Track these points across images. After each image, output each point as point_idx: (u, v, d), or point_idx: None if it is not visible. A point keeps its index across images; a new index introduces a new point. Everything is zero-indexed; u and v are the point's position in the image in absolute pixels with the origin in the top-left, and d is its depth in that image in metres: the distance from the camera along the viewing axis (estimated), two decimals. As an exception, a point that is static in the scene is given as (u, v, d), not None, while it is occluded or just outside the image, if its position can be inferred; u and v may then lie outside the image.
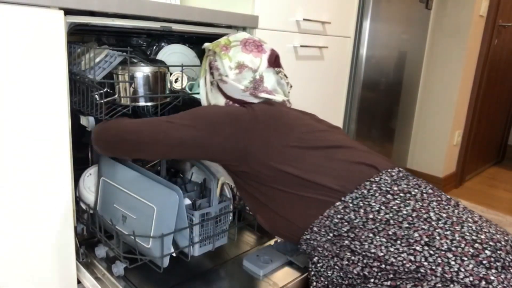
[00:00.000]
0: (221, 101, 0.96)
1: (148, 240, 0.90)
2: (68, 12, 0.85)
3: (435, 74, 2.49)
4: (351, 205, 0.75)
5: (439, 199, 0.75)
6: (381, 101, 2.05)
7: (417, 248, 0.67)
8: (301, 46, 1.46)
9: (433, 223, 0.70)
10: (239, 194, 0.91)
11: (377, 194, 0.75)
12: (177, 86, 1.07)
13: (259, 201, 0.84)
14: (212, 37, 1.24)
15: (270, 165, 0.80)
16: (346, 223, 0.75)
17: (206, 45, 1.01)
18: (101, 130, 0.92)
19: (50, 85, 0.84)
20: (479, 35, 2.49)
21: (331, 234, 0.76)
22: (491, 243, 0.66)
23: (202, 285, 0.94)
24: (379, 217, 0.72)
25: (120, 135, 0.86)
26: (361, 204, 0.74)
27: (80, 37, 1.17)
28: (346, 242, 0.74)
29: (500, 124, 3.27)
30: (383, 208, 0.73)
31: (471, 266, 0.63)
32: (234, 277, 0.98)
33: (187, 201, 0.97)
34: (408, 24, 2.09)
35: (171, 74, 1.06)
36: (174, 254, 0.92)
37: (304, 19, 1.45)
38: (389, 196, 0.75)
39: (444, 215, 0.71)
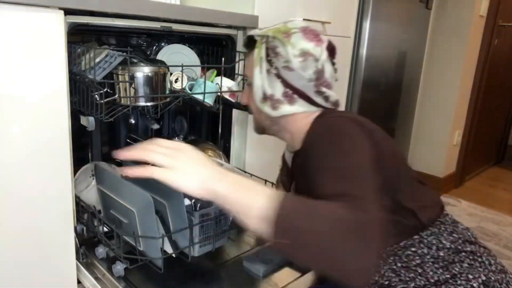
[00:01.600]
0: (278, 90, 0.88)
1: (139, 241, 0.90)
2: (68, 12, 0.85)
3: (435, 74, 2.49)
4: (425, 240, 0.79)
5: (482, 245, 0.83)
6: (381, 101, 2.05)
7: (474, 285, 0.73)
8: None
9: (488, 266, 0.77)
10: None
11: (445, 234, 0.80)
12: (177, 86, 1.07)
13: None
14: (212, 37, 1.24)
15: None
16: (417, 257, 0.77)
17: (258, 32, 0.92)
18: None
19: (50, 85, 0.84)
20: (479, 35, 2.49)
21: (398, 264, 0.78)
22: None
23: (202, 285, 0.94)
24: (446, 256, 0.77)
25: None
26: (434, 242, 0.79)
27: (80, 37, 1.17)
28: (412, 275, 0.77)
29: (500, 124, 3.27)
30: (452, 247, 0.79)
31: None
32: (234, 278, 0.98)
33: (187, 202, 0.97)
34: (408, 24, 2.09)
35: (171, 74, 1.06)
36: (174, 255, 0.92)
37: (304, 19, 1.45)
38: (454, 235, 0.80)
39: (492, 261, 0.78)
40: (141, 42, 1.36)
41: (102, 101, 0.92)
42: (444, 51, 2.44)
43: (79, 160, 1.08)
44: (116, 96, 0.97)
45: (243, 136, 1.37)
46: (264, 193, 0.59)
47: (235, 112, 1.35)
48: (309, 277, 0.98)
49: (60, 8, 0.82)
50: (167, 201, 0.91)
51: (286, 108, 0.87)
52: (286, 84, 0.86)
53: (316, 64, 0.85)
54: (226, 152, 1.38)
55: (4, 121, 0.79)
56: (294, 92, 0.86)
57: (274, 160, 1.51)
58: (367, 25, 1.78)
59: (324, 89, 0.87)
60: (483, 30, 2.50)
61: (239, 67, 1.27)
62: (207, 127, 1.50)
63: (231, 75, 1.27)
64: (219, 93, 1.13)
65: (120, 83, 0.97)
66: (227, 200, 0.61)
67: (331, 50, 0.89)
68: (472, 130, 2.73)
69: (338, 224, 0.55)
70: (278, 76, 0.87)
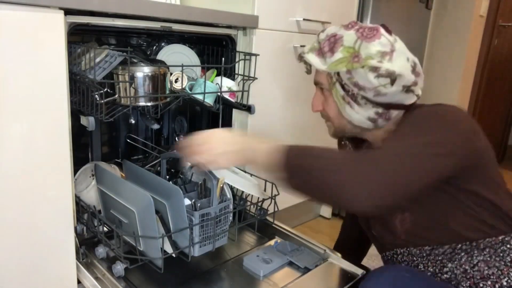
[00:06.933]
0: (373, 111, 0.82)
1: (139, 241, 0.90)
2: (68, 12, 0.85)
3: (435, 74, 2.49)
4: None
5: None
6: (381, 101, 2.05)
7: None
8: (301, 46, 1.46)
9: None
10: None
11: None
12: (177, 86, 1.07)
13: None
14: (212, 37, 1.24)
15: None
16: (509, 257, 0.77)
17: (320, 67, 0.83)
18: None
19: (50, 85, 0.84)
20: (479, 35, 2.49)
21: (493, 257, 0.78)
22: None
23: (202, 285, 0.94)
24: None
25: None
26: None
27: (80, 37, 1.17)
28: (505, 270, 0.76)
29: (500, 124, 3.27)
30: None
31: None
32: (234, 278, 0.98)
33: (187, 202, 0.97)
34: (408, 24, 2.09)
35: (171, 74, 1.06)
36: (174, 255, 0.92)
37: (304, 19, 1.45)
38: None
39: None
40: (141, 42, 1.36)
41: (102, 101, 0.92)
42: (444, 51, 2.44)
43: (79, 160, 1.08)
44: (116, 96, 0.97)
45: (243, 136, 1.37)
46: (274, 148, 0.74)
47: (235, 112, 1.35)
48: (309, 277, 0.98)
49: (60, 8, 0.82)
50: (167, 201, 0.91)
51: (381, 123, 0.84)
52: (380, 104, 0.81)
53: (407, 58, 0.80)
54: (226, 152, 1.38)
55: (4, 121, 0.79)
56: (388, 108, 0.82)
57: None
58: (367, 25, 1.78)
59: (412, 87, 0.81)
60: (483, 30, 2.50)
61: (239, 67, 1.27)
62: (207, 127, 1.50)
63: (231, 75, 1.27)
64: (219, 93, 1.13)
65: (120, 83, 0.97)
66: (251, 164, 0.79)
67: (387, 30, 0.83)
68: (472, 130, 2.73)
69: (331, 160, 0.70)
70: (370, 101, 0.81)
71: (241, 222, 1.14)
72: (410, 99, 0.82)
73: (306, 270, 1.00)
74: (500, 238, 0.78)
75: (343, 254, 1.06)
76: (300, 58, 0.90)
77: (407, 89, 0.80)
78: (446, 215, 0.80)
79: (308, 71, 0.93)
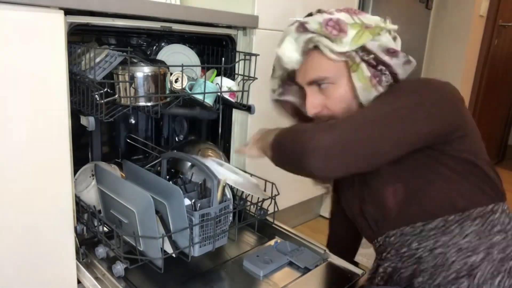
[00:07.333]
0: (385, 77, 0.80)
1: (139, 241, 0.90)
2: (68, 12, 0.85)
3: (435, 74, 2.49)
4: (507, 211, 0.80)
5: None
6: (381, 101, 2.04)
7: None
8: (301, 46, 1.46)
9: None
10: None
11: None
12: (177, 86, 1.07)
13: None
14: (212, 37, 1.24)
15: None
16: (498, 225, 0.77)
17: (338, 49, 0.79)
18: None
19: (50, 85, 0.84)
20: (479, 35, 2.49)
21: (482, 227, 0.77)
22: None
23: (202, 285, 0.94)
24: None
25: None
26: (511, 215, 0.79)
27: (80, 37, 1.17)
28: (494, 239, 0.76)
29: (500, 124, 3.27)
30: None
31: None
32: (234, 278, 0.98)
33: (187, 202, 0.97)
34: (408, 24, 2.09)
35: (171, 74, 1.06)
36: (174, 255, 0.92)
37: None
38: None
39: None
40: (141, 42, 1.36)
41: (102, 101, 0.92)
42: (444, 51, 2.44)
43: (79, 160, 1.08)
44: (116, 96, 0.97)
45: (243, 136, 1.37)
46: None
47: (235, 112, 1.35)
48: (309, 277, 0.98)
49: (60, 8, 0.82)
50: (167, 201, 0.91)
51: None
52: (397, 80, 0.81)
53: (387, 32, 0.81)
54: (226, 152, 1.38)
55: (4, 121, 0.79)
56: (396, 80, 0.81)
57: (274, 160, 1.51)
58: (367, 25, 1.78)
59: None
60: (483, 30, 2.50)
61: (239, 67, 1.27)
62: (207, 127, 1.50)
63: (231, 75, 1.27)
64: (219, 93, 1.13)
65: (120, 83, 0.97)
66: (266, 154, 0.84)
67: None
68: (472, 130, 2.73)
69: (297, 132, 0.73)
70: (393, 77, 0.81)
71: (241, 222, 1.14)
72: (404, 75, 0.83)
73: (306, 270, 1.00)
74: (490, 207, 0.78)
75: (334, 253, 1.06)
76: (315, 47, 0.81)
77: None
78: (439, 183, 0.79)
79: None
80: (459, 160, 0.77)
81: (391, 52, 0.78)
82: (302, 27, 0.81)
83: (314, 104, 0.84)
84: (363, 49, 0.78)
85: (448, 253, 0.77)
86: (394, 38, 0.82)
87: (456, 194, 0.78)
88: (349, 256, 1.15)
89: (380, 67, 0.79)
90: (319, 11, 0.83)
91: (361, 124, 0.70)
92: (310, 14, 0.84)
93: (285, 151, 0.76)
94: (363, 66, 0.78)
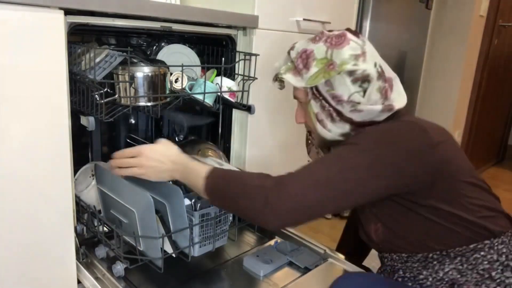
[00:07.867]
0: (348, 128, 0.83)
1: (139, 241, 0.90)
2: (68, 12, 0.85)
3: (435, 74, 2.49)
4: (496, 247, 0.78)
5: None
6: (381, 101, 2.04)
7: None
8: (301, 46, 1.46)
9: None
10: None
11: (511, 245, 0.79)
12: (177, 86, 1.07)
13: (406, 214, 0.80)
14: (212, 37, 1.24)
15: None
16: (486, 262, 0.77)
17: (294, 84, 0.85)
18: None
19: (50, 85, 0.84)
20: (479, 35, 2.49)
21: (465, 266, 0.78)
22: None
23: (202, 285, 0.94)
24: None
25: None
26: (504, 251, 0.77)
27: (80, 37, 1.17)
28: (479, 277, 0.76)
29: (500, 124, 3.27)
30: None
31: None
32: (234, 278, 0.98)
33: (187, 202, 0.97)
34: (408, 24, 2.09)
35: (171, 74, 1.06)
36: (174, 255, 0.92)
37: (304, 19, 1.45)
38: None
39: None
40: (141, 42, 1.36)
41: (102, 101, 0.92)
42: (444, 51, 2.44)
43: (79, 160, 1.08)
44: (116, 96, 0.97)
45: (243, 136, 1.37)
46: (202, 172, 0.81)
47: (235, 112, 1.35)
48: (309, 277, 0.98)
49: (60, 8, 0.82)
50: (167, 201, 0.91)
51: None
52: (353, 123, 0.83)
53: (376, 68, 0.80)
54: (226, 152, 1.38)
55: (4, 121, 0.79)
56: (361, 125, 0.82)
57: (274, 160, 1.51)
58: (367, 25, 1.78)
59: (396, 103, 0.83)
60: (483, 30, 2.50)
61: (239, 67, 1.27)
62: (207, 127, 1.50)
63: (231, 75, 1.27)
64: (219, 93, 1.13)
65: (120, 83, 0.97)
66: (184, 182, 0.85)
67: (355, 33, 0.83)
68: (472, 130, 2.73)
69: (245, 188, 0.76)
70: (344, 118, 0.82)
71: (241, 222, 1.14)
72: (383, 116, 0.82)
73: (306, 270, 1.00)
74: (471, 246, 0.77)
75: (345, 255, 1.06)
76: (276, 78, 0.91)
77: (383, 109, 0.80)
78: (412, 227, 0.80)
79: (282, 87, 0.96)
80: (430, 208, 0.77)
81: (337, 100, 0.81)
82: (288, 53, 0.89)
83: (297, 116, 0.93)
84: (316, 88, 0.82)
85: (433, 284, 0.80)
86: (365, 77, 0.79)
87: (430, 238, 0.79)
88: (358, 259, 1.16)
89: (327, 108, 0.82)
90: (318, 35, 0.86)
91: (310, 186, 0.73)
92: (321, 32, 0.86)
93: (231, 202, 0.79)
94: (312, 102, 0.84)
